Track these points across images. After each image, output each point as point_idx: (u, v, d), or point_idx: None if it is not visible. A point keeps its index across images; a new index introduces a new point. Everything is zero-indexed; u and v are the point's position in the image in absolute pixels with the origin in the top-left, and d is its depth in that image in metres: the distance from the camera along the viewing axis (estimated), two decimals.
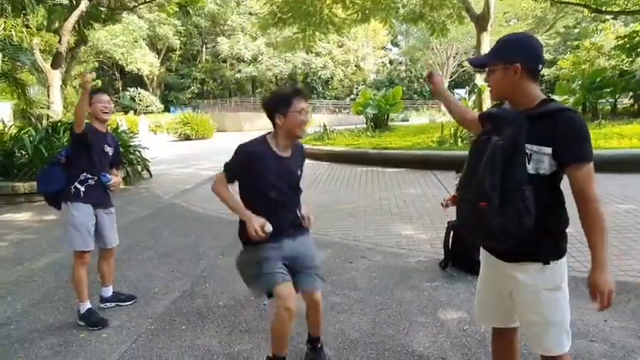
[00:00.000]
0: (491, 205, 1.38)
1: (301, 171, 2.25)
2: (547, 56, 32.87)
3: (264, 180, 2.07)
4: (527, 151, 1.42)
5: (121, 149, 3.33)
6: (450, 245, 3.54)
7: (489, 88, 1.59)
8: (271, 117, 2.11)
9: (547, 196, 1.45)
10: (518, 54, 1.47)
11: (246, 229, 2.00)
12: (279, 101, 2.10)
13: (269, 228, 1.99)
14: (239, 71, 37.94)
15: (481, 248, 1.73)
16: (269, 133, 2.18)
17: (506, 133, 1.42)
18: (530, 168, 1.43)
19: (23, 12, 10.98)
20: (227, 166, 2.14)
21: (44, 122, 9.51)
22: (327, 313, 2.89)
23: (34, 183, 6.40)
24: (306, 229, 2.24)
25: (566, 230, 1.53)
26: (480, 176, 1.41)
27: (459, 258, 3.47)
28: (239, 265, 2.22)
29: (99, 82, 28.21)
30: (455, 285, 3.25)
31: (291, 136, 2.13)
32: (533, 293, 1.52)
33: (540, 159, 1.42)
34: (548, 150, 1.41)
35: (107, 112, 2.88)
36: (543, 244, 1.48)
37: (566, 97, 13.61)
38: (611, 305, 1.41)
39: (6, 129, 8.85)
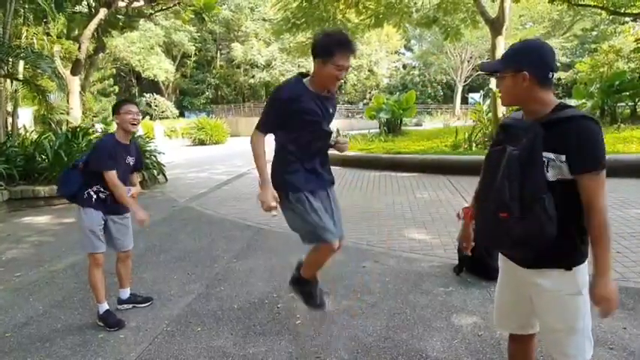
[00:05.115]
0: (512, 216, 1.37)
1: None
2: (564, 59, 32.44)
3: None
4: (544, 159, 1.40)
5: (141, 153, 3.37)
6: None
7: (500, 95, 1.59)
8: (314, 57, 2.22)
9: (569, 202, 1.42)
10: (525, 62, 1.45)
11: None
12: (321, 48, 2.18)
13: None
14: (252, 77, 38.22)
15: (500, 254, 1.72)
16: (307, 76, 2.29)
17: (522, 142, 1.41)
18: (550, 175, 1.40)
19: (44, 20, 11.31)
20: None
21: (64, 127, 9.76)
22: (339, 317, 2.90)
23: (54, 187, 6.56)
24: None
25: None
26: (498, 187, 1.40)
27: (473, 263, 3.44)
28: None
29: (116, 89, 28.77)
30: (469, 290, 3.23)
31: (322, 86, 2.25)
32: (554, 299, 1.50)
33: (559, 166, 1.40)
34: (564, 157, 1.39)
35: (135, 124, 2.90)
36: (566, 250, 1.46)
37: (583, 100, 13.35)
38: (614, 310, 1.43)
39: (27, 134, 9.11)
